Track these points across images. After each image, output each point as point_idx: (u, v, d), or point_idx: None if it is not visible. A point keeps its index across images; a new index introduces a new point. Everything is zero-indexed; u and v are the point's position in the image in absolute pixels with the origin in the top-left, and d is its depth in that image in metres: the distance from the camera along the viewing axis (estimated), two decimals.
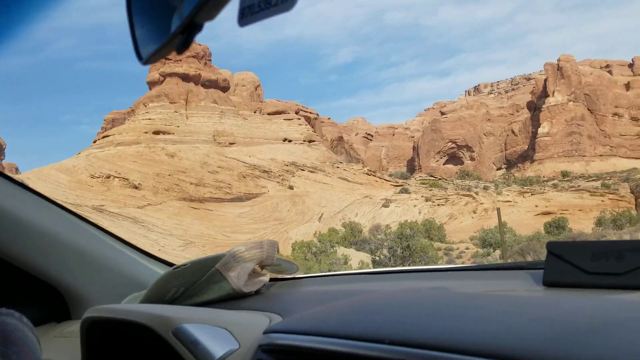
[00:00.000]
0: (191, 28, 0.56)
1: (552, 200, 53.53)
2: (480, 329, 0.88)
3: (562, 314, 0.91)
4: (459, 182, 54.12)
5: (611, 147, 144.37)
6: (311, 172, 49.55)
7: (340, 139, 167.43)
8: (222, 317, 1.31)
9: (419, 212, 46.53)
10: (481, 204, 50.95)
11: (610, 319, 0.86)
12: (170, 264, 1.94)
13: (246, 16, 0.54)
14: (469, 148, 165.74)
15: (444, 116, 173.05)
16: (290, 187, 47.98)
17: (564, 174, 78.45)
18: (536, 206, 52.65)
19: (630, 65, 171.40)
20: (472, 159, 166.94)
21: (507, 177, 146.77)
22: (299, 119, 62.10)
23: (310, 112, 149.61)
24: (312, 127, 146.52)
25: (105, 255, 1.90)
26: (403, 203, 48.07)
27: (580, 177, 69.32)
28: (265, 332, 1.18)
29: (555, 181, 64.36)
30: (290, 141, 57.06)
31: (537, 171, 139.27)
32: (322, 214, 43.17)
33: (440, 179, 53.57)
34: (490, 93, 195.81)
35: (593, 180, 61.86)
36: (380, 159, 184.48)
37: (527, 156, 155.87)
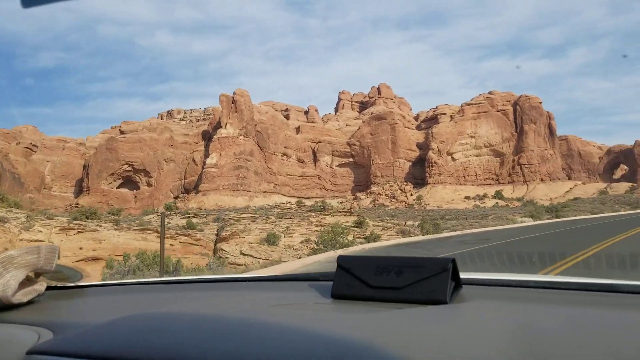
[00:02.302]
0: None
1: (104, 242, 43.30)
2: (266, 349, 0.88)
3: (345, 331, 0.96)
4: None
5: (276, 184, 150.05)
6: None
7: None
8: None
9: None
10: None
11: (388, 335, 0.92)
12: None
13: None
14: (147, 173, 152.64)
15: (122, 135, 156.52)
16: None
17: (168, 206, 71.05)
18: (80, 248, 41.37)
19: (306, 112, 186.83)
20: (149, 184, 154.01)
21: (170, 206, 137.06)
22: None
23: None
24: None
25: None
26: None
27: (186, 212, 62.00)
28: (28, 352, 1.03)
29: (150, 217, 55.68)
30: None
31: (200, 203, 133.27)
32: None
33: None
34: (182, 120, 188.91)
35: (202, 216, 55.35)
36: (44, 176, 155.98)
37: (197, 186, 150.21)
